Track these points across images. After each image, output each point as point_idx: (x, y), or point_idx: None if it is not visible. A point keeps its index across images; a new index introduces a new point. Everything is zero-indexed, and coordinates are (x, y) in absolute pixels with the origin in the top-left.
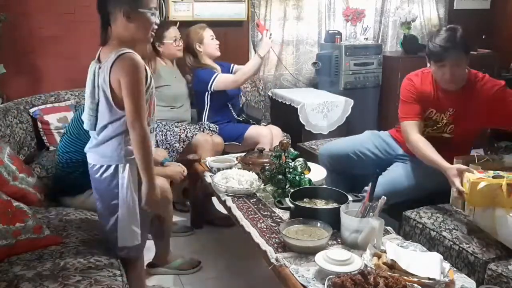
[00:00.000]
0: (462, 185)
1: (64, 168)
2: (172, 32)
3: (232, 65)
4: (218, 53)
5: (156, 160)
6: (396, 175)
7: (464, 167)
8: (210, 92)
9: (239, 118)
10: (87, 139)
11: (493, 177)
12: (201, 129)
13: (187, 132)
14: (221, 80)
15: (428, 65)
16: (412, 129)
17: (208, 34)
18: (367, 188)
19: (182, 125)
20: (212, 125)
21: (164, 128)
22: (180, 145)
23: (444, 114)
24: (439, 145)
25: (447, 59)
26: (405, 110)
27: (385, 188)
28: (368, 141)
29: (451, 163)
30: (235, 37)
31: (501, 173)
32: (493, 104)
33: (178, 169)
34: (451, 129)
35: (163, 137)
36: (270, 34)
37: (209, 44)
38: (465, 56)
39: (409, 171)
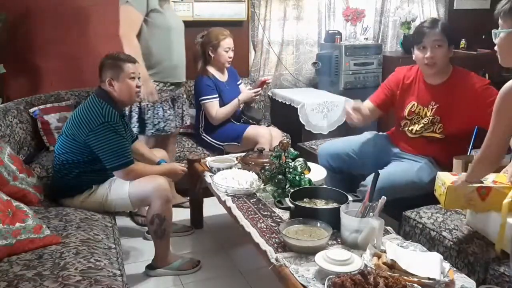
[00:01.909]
0: (435, 190)
1: (60, 169)
2: (228, 42)
3: (240, 80)
4: (227, 65)
5: (152, 160)
6: (393, 170)
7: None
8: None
9: (237, 122)
10: (82, 140)
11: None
12: None
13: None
14: (207, 107)
15: (414, 56)
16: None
17: (225, 45)
18: (364, 183)
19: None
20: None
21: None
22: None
23: (427, 108)
24: (433, 144)
25: (426, 38)
26: (373, 94)
27: (381, 184)
28: (366, 141)
29: (450, 164)
30: (235, 37)
31: None
32: (478, 101)
33: (174, 166)
34: (441, 128)
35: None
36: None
37: (221, 55)
38: (446, 39)
39: (405, 167)
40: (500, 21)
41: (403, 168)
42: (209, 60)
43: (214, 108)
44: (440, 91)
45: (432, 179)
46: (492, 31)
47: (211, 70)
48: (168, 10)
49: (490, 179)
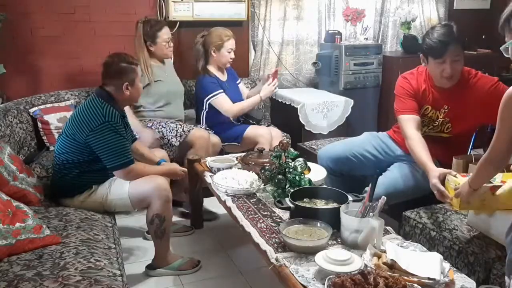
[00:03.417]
0: (445, 189)
1: (60, 169)
2: (165, 33)
3: (239, 79)
4: (228, 66)
5: (152, 160)
6: (395, 176)
7: (447, 171)
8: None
9: (237, 123)
10: (82, 140)
11: None
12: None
13: (183, 127)
14: (219, 101)
15: (423, 63)
16: (408, 124)
17: (228, 46)
18: (367, 189)
19: (178, 122)
20: (208, 129)
21: (160, 125)
22: (176, 139)
23: (439, 111)
24: (437, 144)
25: (447, 54)
26: (402, 105)
27: (385, 189)
28: (367, 142)
29: (450, 162)
30: (235, 37)
31: None
32: (488, 100)
33: (174, 167)
34: (449, 128)
35: (160, 134)
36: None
37: (223, 55)
38: (463, 51)
39: (409, 171)
40: (506, 34)
41: (407, 173)
42: (210, 59)
43: (226, 101)
44: (452, 94)
45: None
46: (501, 48)
47: (212, 69)
48: (170, 75)
49: (498, 179)
